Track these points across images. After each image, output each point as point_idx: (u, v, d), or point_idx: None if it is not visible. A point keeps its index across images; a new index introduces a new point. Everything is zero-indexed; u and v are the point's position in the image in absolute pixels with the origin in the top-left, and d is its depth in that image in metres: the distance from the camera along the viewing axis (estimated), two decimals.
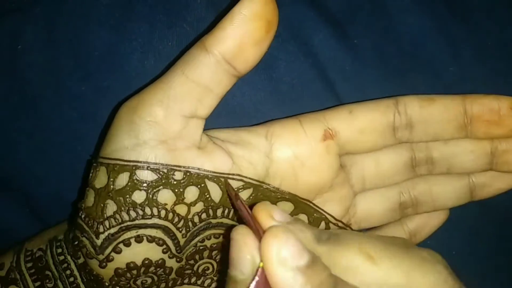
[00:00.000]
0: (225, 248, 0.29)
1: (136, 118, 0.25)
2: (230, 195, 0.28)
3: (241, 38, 0.24)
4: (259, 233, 0.21)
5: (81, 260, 0.28)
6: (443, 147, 0.30)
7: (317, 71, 0.33)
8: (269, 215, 0.22)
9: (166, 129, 0.25)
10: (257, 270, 0.20)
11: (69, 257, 0.29)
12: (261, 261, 0.20)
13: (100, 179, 0.26)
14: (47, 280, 0.29)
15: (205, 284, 0.30)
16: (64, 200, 0.34)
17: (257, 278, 0.20)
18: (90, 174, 0.27)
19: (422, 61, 0.34)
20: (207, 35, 0.25)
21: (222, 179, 0.27)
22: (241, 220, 0.26)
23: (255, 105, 0.33)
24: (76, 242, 0.27)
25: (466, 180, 0.31)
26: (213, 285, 0.30)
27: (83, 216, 0.27)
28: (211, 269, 0.29)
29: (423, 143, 0.30)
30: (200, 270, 0.29)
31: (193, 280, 0.29)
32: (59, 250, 0.29)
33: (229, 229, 0.27)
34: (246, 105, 0.33)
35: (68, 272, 0.29)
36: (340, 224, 0.30)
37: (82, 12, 0.33)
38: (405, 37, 0.34)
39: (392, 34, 0.34)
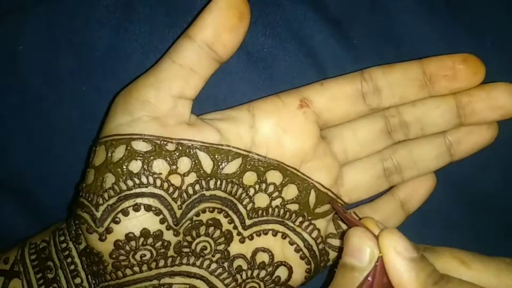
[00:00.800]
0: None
1: (130, 99, 0.28)
2: (337, 210, 0.31)
3: (218, 26, 0.27)
4: None
5: (82, 245, 0.29)
6: (412, 109, 0.32)
7: (317, 71, 0.34)
8: (375, 225, 0.26)
9: (158, 107, 0.28)
10: (378, 259, 0.25)
11: (71, 244, 0.30)
12: (380, 252, 0.25)
13: (99, 157, 0.29)
14: (48, 271, 0.30)
15: (204, 265, 0.30)
16: (65, 200, 0.34)
17: (377, 265, 0.25)
18: (90, 157, 0.29)
19: None
20: (190, 26, 0.28)
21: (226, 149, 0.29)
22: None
23: None
24: (76, 221, 0.29)
25: (442, 139, 0.33)
26: (212, 266, 0.30)
27: (83, 194, 0.29)
28: (208, 249, 0.30)
29: (394, 109, 0.32)
30: (198, 249, 0.30)
31: (192, 260, 0.30)
32: (62, 238, 0.31)
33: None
34: None
35: (69, 260, 0.30)
36: (330, 193, 0.31)
37: (83, 12, 0.33)
38: (405, 37, 0.34)
39: (391, 34, 0.34)
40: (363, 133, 0.32)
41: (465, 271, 0.26)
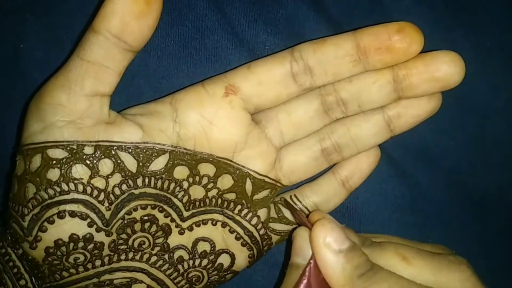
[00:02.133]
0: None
1: (41, 104, 0.27)
2: (290, 208, 0.32)
3: (123, 13, 0.26)
4: None
5: (20, 251, 0.29)
6: (348, 85, 0.30)
7: None
8: (322, 215, 0.27)
9: (71, 109, 0.27)
10: (311, 256, 0.26)
11: (9, 249, 0.30)
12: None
13: (20, 167, 0.28)
14: None
15: (144, 259, 0.30)
16: None
17: (312, 261, 0.25)
18: (14, 166, 0.29)
19: None
20: (94, 18, 0.27)
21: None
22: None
23: None
24: (8, 231, 0.29)
25: (381, 115, 0.31)
26: (152, 259, 0.30)
27: (10, 204, 0.28)
28: (147, 243, 0.30)
29: (330, 86, 0.31)
30: (136, 245, 0.30)
31: (130, 255, 0.30)
32: (0, 244, 0.30)
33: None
34: None
35: (11, 264, 0.30)
36: (267, 179, 0.31)
37: (84, 12, 0.33)
38: None
39: None
40: (298, 114, 0.31)
41: (405, 267, 0.26)
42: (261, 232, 0.32)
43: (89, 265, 0.29)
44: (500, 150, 0.36)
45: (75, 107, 0.27)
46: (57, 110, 0.27)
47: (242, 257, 0.32)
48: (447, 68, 0.28)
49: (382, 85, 0.30)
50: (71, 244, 0.28)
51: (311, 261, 0.25)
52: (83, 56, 0.27)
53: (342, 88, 0.30)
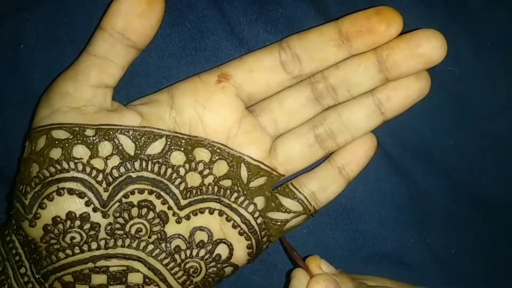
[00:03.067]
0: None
1: (51, 93, 0.30)
2: (286, 248, 0.32)
3: (127, 13, 0.28)
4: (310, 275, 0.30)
5: (23, 235, 0.30)
6: (336, 71, 0.31)
7: None
8: (317, 265, 0.30)
9: (77, 98, 0.29)
10: None
11: (13, 236, 0.31)
12: None
13: (27, 150, 0.30)
14: None
15: (140, 247, 0.30)
16: None
17: None
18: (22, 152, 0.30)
19: None
20: (102, 18, 0.29)
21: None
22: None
23: None
24: (12, 212, 0.30)
25: (370, 98, 0.32)
26: (149, 247, 0.30)
27: (16, 185, 0.30)
28: (144, 231, 0.30)
29: (319, 74, 0.31)
30: (133, 231, 0.30)
31: (127, 242, 0.30)
32: (6, 232, 0.31)
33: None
34: None
35: (14, 251, 0.31)
36: (262, 165, 0.31)
37: (84, 12, 0.33)
38: None
39: None
40: (290, 103, 0.32)
41: None
42: (259, 220, 0.32)
43: (85, 247, 0.30)
44: (499, 149, 0.36)
45: (81, 95, 0.29)
46: (64, 98, 0.29)
47: (240, 248, 0.32)
48: (428, 44, 0.29)
49: (367, 66, 0.31)
50: (68, 222, 0.29)
51: None
52: (90, 50, 0.29)
53: (330, 74, 0.31)
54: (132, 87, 0.33)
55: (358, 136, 0.32)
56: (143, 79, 0.33)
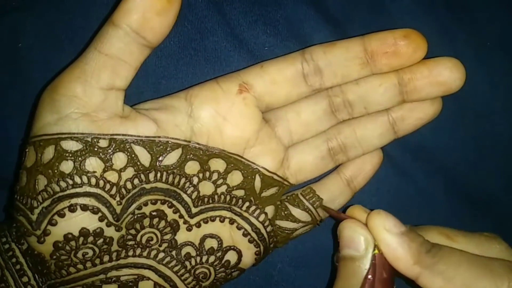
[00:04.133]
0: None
1: (56, 95, 0.27)
2: (330, 213, 0.32)
3: (144, 9, 0.26)
4: None
5: (25, 246, 0.29)
6: (355, 87, 0.31)
7: None
8: (361, 210, 0.27)
9: (87, 102, 0.27)
10: (373, 256, 0.26)
11: (13, 245, 0.29)
12: (375, 242, 0.26)
13: (30, 158, 0.28)
14: None
15: (151, 255, 0.30)
16: None
17: (374, 262, 0.25)
18: (22, 158, 0.28)
19: None
20: (114, 11, 0.27)
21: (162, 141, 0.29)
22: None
23: None
24: (15, 224, 0.28)
25: (385, 117, 0.32)
26: (160, 255, 0.30)
27: (17, 196, 0.28)
28: (155, 240, 0.30)
29: (338, 88, 0.31)
30: (143, 241, 0.30)
31: (138, 252, 0.30)
32: (4, 239, 0.30)
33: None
34: None
35: (14, 260, 0.29)
36: (275, 176, 0.31)
37: (83, 11, 0.33)
38: None
39: None
40: (307, 114, 0.32)
41: (451, 244, 0.27)
42: (268, 229, 0.32)
43: (97, 261, 0.29)
44: (499, 149, 0.36)
45: (90, 99, 0.27)
46: (72, 102, 0.27)
47: (249, 254, 0.32)
48: (449, 73, 0.30)
49: (388, 88, 0.31)
50: (81, 239, 0.27)
51: (374, 261, 0.26)
52: (101, 49, 0.27)
53: (349, 90, 0.31)
54: (131, 87, 0.32)
55: (368, 151, 0.33)
56: (141, 79, 0.33)
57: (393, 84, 0.31)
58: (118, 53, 0.27)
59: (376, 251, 0.26)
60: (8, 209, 0.31)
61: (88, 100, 0.27)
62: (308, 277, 0.35)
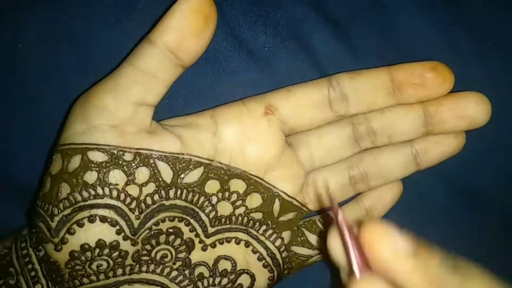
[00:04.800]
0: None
1: (88, 105, 0.27)
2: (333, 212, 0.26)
3: (181, 30, 0.26)
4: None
5: (42, 253, 0.29)
6: (380, 116, 0.32)
7: (317, 70, 0.34)
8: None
9: (116, 115, 0.27)
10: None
11: (31, 250, 0.30)
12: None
13: (56, 165, 0.28)
14: (10, 277, 0.30)
15: (164, 273, 0.30)
16: None
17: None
18: (49, 164, 0.28)
19: (421, 61, 0.34)
20: (152, 29, 0.27)
21: (180, 156, 0.29)
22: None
23: None
24: (34, 230, 0.28)
25: (409, 148, 0.32)
26: (173, 273, 0.30)
27: (39, 202, 0.28)
28: (169, 257, 0.30)
29: (362, 116, 0.32)
30: (158, 257, 0.29)
31: (151, 268, 0.29)
32: (23, 245, 0.30)
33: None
34: None
35: (29, 266, 0.29)
36: (295, 202, 0.31)
37: (83, 11, 0.33)
38: (405, 37, 0.34)
39: (392, 34, 0.34)
40: (330, 140, 0.32)
41: None
42: (284, 254, 0.32)
43: (111, 273, 0.29)
44: (500, 150, 0.36)
45: (120, 112, 0.27)
46: (102, 113, 0.27)
47: (262, 279, 0.32)
48: (475, 107, 0.30)
49: (413, 118, 0.31)
50: (97, 250, 0.28)
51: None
52: (136, 64, 0.27)
53: (373, 118, 0.32)
54: None
55: (389, 181, 0.33)
56: None
57: (418, 115, 0.31)
58: (152, 70, 0.27)
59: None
60: (29, 214, 0.31)
61: (118, 113, 0.27)
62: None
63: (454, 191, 0.36)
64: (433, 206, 0.36)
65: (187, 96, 0.33)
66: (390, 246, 0.19)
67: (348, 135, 0.32)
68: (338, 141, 0.32)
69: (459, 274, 0.20)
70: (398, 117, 0.31)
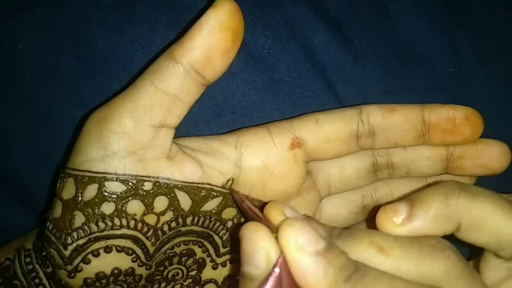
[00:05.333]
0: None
1: (105, 129, 0.25)
2: (235, 199, 0.28)
3: (209, 48, 0.25)
4: (270, 230, 0.22)
5: (49, 269, 0.28)
6: (402, 152, 0.31)
7: (317, 71, 0.34)
8: (281, 212, 0.23)
9: (136, 139, 0.26)
10: (277, 261, 0.20)
11: (37, 266, 0.29)
12: (281, 252, 0.21)
13: (68, 190, 0.26)
14: None
15: None
16: None
17: (277, 270, 0.20)
18: (58, 185, 0.27)
19: (421, 62, 0.34)
20: (175, 44, 0.25)
21: (200, 187, 0.27)
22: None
23: (256, 106, 0.33)
24: (44, 253, 0.27)
25: (424, 184, 0.33)
26: None
27: (50, 227, 0.27)
28: (180, 275, 0.30)
29: (385, 150, 0.32)
30: (170, 276, 0.29)
31: (162, 285, 0.29)
32: (28, 260, 0.29)
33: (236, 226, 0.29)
34: (247, 106, 0.33)
35: (37, 280, 0.28)
36: None
37: (83, 13, 0.33)
38: (405, 38, 0.34)
39: (391, 35, 0.34)
40: (350, 171, 0.32)
41: (384, 260, 0.22)
42: None
43: None
44: None
45: (140, 137, 0.26)
46: (121, 139, 0.25)
47: None
48: (498, 158, 0.31)
49: (436, 161, 0.31)
50: (112, 278, 0.27)
51: (277, 268, 0.21)
52: (158, 84, 0.25)
53: (396, 153, 0.32)
54: None
55: None
56: None
57: (441, 158, 0.31)
58: (175, 91, 0.26)
59: (280, 255, 0.21)
60: (38, 232, 0.30)
61: (138, 137, 0.26)
62: None
63: None
64: None
65: None
66: (295, 240, 0.20)
67: (367, 167, 0.32)
68: (357, 173, 0.32)
69: (354, 282, 0.21)
70: (420, 157, 0.31)
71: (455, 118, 0.30)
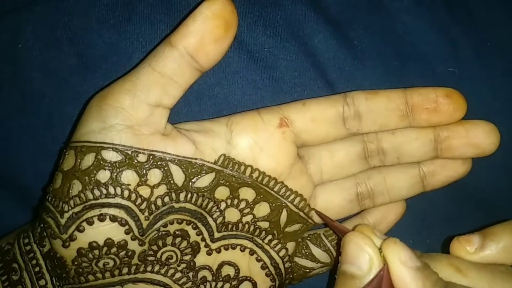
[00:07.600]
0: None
1: (104, 104, 0.28)
2: (324, 220, 0.31)
3: (202, 35, 0.27)
4: None
5: (46, 248, 0.29)
6: (391, 137, 0.32)
7: (317, 70, 0.34)
8: (371, 230, 0.26)
9: (132, 115, 0.28)
10: (382, 268, 0.24)
11: (35, 246, 0.30)
12: (384, 262, 0.24)
13: (68, 162, 0.28)
14: (13, 273, 0.30)
15: (168, 274, 0.30)
16: None
17: (381, 273, 0.24)
18: (60, 160, 0.29)
19: (421, 62, 0.34)
20: (173, 32, 0.27)
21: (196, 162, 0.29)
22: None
23: (256, 104, 0.33)
24: (41, 225, 0.29)
25: (417, 170, 0.33)
26: (176, 275, 0.30)
27: (50, 198, 0.28)
28: (174, 258, 0.30)
29: (373, 135, 0.32)
30: (163, 258, 0.30)
31: (156, 268, 0.30)
32: (26, 240, 0.30)
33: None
34: (247, 104, 0.33)
35: (34, 262, 0.30)
36: (301, 213, 0.31)
37: (83, 12, 0.33)
38: (405, 37, 0.34)
39: (391, 34, 0.34)
40: (340, 156, 0.32)
41: (461, 279, 0.25)
42: (287, 265, 0.32)
43: (116, 272, 0.29)
44: (500, 150, 0.36)
45: (136, 113, 0.28)
46: (119, 113, 0.27)
47: (263, 287, 0.32)
48: (485, 136, 0.31)
49: (424, 143, 0.32)
50: (105, 248, 0.28)
51: (381, 272, 0.24)
52: (155, 66, 0.27)
53: (384, 138, 0.32)
54: None
55: (395, 200, 0.34)
56: None
57: (429, 139, 0.32)
58: (170, 72, 0.27)
59: (385, 263, 0.24)
60: (36, 210, 0.31)
61: (134, 113, 0.27)
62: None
63: (455, 191, 0.36)
64: (433, 206, 0.36)
65: (187, 96, 0.33)
66: (399, 255, 0.24)
67: (358, 152, 0.32)
68: (348, 158, 0.32)
69: None
70: (408, 139, 0.32)
71: (436, 97, 0.31)
